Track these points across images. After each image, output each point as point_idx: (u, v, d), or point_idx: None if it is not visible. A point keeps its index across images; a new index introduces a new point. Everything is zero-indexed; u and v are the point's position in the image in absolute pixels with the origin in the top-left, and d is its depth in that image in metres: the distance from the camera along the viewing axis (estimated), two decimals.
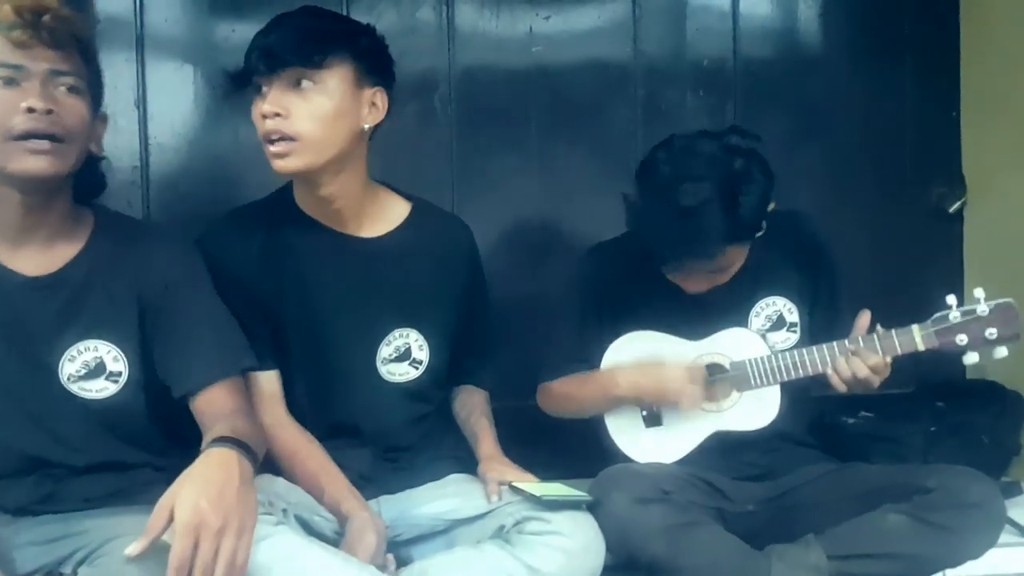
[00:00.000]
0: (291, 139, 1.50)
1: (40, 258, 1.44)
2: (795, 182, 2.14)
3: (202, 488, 1.20)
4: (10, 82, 1.35)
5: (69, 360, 1.44)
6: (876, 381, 1.60)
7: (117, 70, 2.15)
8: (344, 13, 2.22)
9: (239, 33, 2.23)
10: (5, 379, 1.42)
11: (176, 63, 2.22)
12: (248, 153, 2.24)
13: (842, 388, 1.61)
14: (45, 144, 1.35)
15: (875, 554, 1.52)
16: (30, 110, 1.34)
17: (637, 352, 1.71)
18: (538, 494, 1.50)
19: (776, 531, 1.61)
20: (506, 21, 2.32)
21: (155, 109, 2.21)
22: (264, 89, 1.51)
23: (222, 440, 1.29)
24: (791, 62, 2.42)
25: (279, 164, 1.53)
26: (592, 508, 1.52)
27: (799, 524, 1.60)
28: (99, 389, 1.45)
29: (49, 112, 1.35)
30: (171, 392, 1.47)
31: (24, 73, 1.35)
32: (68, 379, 1.44)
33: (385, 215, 1.67)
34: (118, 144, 2.15)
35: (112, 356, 1.46)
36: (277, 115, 1.49)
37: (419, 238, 1.68)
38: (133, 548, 1.17)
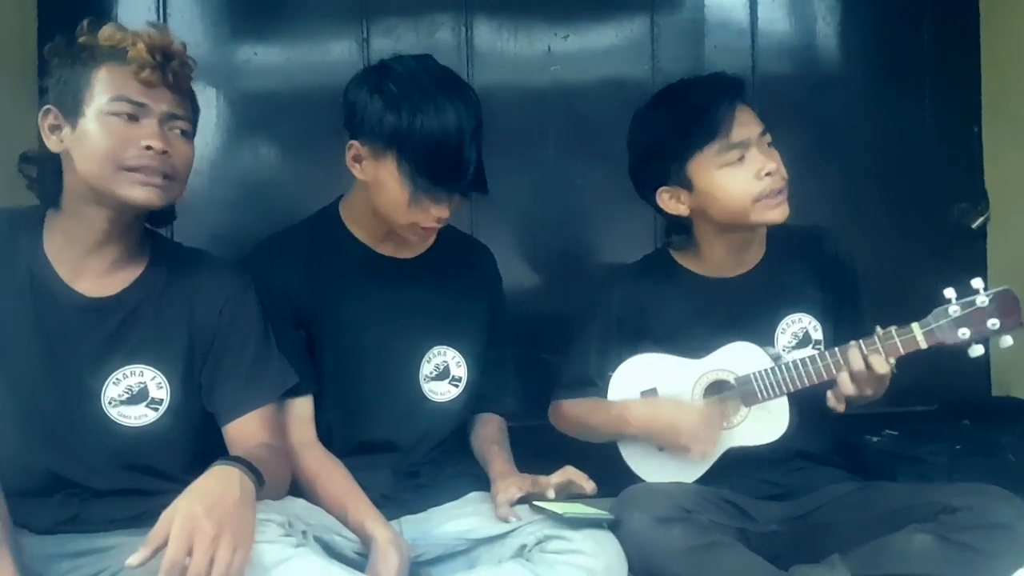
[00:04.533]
0: None
1: (101, 280, 1.47)
2: (815, 199, 2.14)
3: (198, 497, 1.23)
4: (131, 118, 1.40)
5: (113, 383, 1.46)
6: (879, 389, 1.58)
7: None
8: (364, 37, 2.26)
9: (261, 56, 2.26)
10: (45, 397, 1.44)
11: (199, 86, 2.23)
12: (270, 175, 2.28)
13: (839, 407, 1.59)
14: (157, 179, 1.40)
15: (901, 574, 1.50)
16: (148, 148, 1.38)
17: (641, 376, 1.71)
18: (559, 512, 1.50)
19: (800, 551, 1.60)
20: (524, 41, 2.33)
21: None
22: None
23: (228, 460, 1.33)
24: (810, 78, 2.42)
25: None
26: (614, 527, 1.51)
27: (823, 544, 1.59)
28: (138, 416, 1.47)
29: (164, 153, 1.39)
30: (217, 421, 1.51)
31: (145, 111, 1.40)
32: (109, 403, 1.46)
33: (420, 242, 1.70)
34: None
35: (156, 383, 1.48)
36: None
37: (447, 260, 1.73)
38: (135, 558, 1.19)
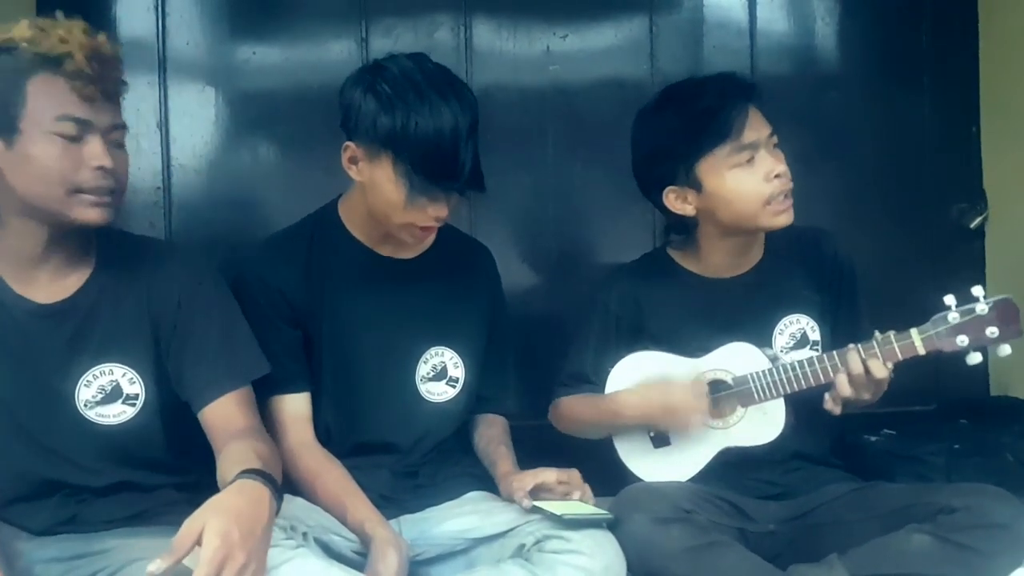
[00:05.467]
0: None
1: (52, 285, 1.43)
2: (814, 200, 2.14)
3: (235, 520, 1.17)
4: (76, 138, 1.34)
5: (85, 386, 1.44)
6: (876, 393, 1.57)
7: (140, 93, 2.19)
8: (363, 36, 2.27)
9: (259, 56, 2.26)
10: (21, 408, 1.42)
11: (198, 86, 2.26)
12: (269, 174, 2.28)
13: (836, 410, 1.59)
14: (107, 197, 1.37)
15: (899, 575, 1.50)
16: (100, 168, 1.35)
17: (640, 373, 1.71)
18: (558, 512, 1.50)
19: (798, 551, 1.60)
20: (523, 41, 2.33)
21: (177, 131, 2.24)
22: None
23: (256, 473, 1.27)
24: (809, 78, 2.42)
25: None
26: (612, 527, 1.51)
27: (822, 544, 1.58)
28: (116, 414, 1.45)
29: (113, 170, 1.36)
30: (192, 408, 1.48)
31: (89, 128, 1.35)
32: (85, 406, 1.44)
33: (417, 243, 1.69)
34: (141, 166, 2.20)
35: (128, 379, 1.46)
36: None
37: (447, 261, 1.73)
38: (156, 566, 1.15)
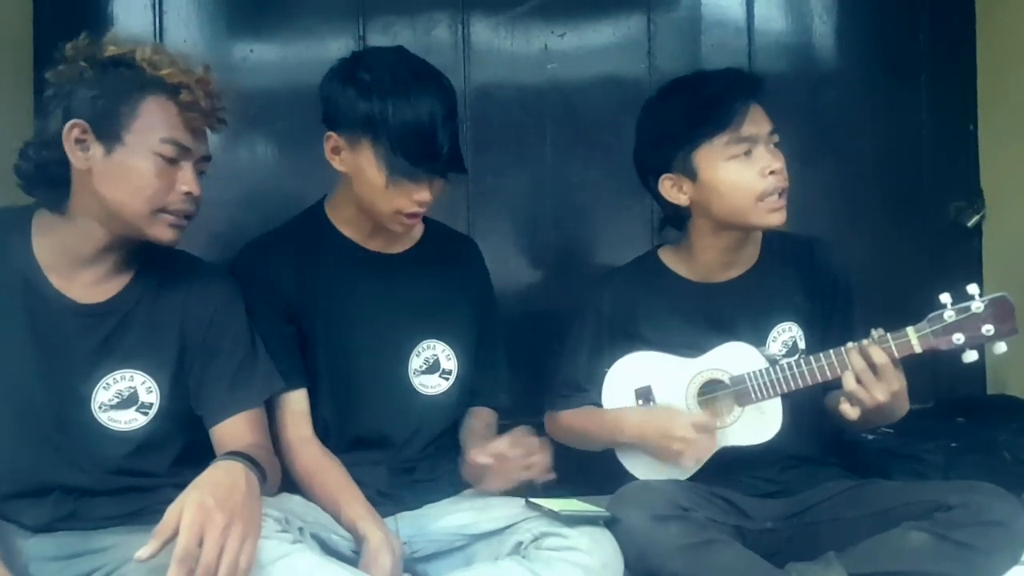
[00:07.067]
0: None
1: (92, 287, 1.46)
2: (811, 198, 2.15)
3: (208, 490, 1.24)
4: (173, 161, 1.41)
5: (104, 388, 1.46)
6: (890, 395, 1.55)
7: None
8: (360, 35, 2.26)
9: (257, 54, 2.26)
10: (36, 401, 1.44)
11: None
12: (266, 172, 2.28)
13: (853, 414, 1.56)
14: (184, 221, 1.44)
15: (896, 572, 1.50)
16: (187, 193, 1.42)
17: (636, 374, 1.71)
18: (556, 509, 1.50)
19: (796, 549, 1.60)
20: (521, 39, 2.33)
21: None
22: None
23: (231, 455, 1.34)
24: (806, 77, 2.43)
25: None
26: (610, 524, 1.51)
27: (819, 542, 1.59)
28: (128, 420, 1.47)
29: (196, 197, 1.43)
30: (204, 423, 1.51)
31: (187, 155, 1.42)
32: (99, 407, 1.45)
33: (405, 232, 1.70)
34: None
35: (146, 387, 1.48)
36: None
37: (435, 254, 1.74)
38: (144, 551, 1.20)
